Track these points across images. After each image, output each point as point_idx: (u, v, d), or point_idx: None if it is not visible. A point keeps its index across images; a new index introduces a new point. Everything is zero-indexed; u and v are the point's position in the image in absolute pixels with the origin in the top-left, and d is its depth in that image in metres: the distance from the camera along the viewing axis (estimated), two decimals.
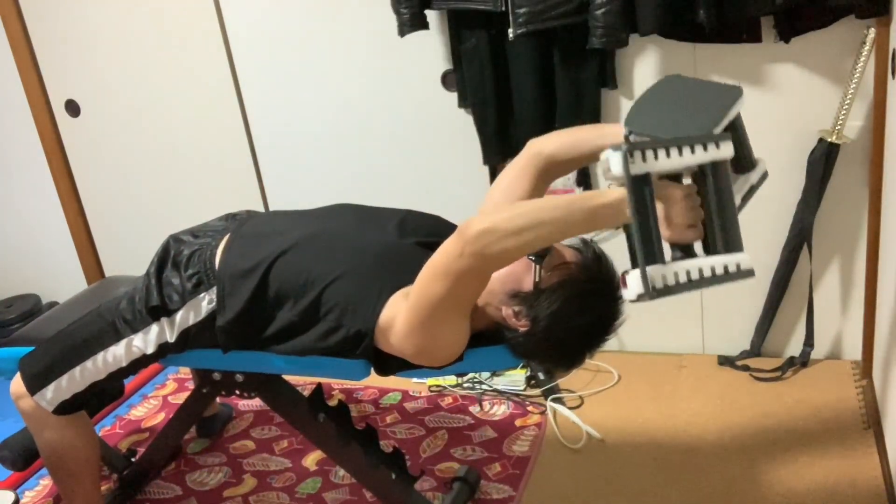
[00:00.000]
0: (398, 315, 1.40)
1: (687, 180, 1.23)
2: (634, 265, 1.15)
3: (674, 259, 1.18)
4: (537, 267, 1.41)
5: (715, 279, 1.14)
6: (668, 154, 1.14)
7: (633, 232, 1.13)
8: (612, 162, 1.13)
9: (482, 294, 1.46)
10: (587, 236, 1.44)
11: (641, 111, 1.32)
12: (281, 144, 2.71)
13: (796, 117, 2.13)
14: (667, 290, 1.12)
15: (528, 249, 1.26)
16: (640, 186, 1.13)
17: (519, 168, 1.57)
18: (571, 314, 1.38)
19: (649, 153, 1.13)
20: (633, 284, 1.12)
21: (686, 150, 1.16)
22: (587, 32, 2.06)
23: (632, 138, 1.26)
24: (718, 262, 1.15)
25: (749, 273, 1.17)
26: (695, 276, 1.13)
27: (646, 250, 1.12)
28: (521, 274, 1.43)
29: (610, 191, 1.18)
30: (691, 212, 1.19)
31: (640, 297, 1.10)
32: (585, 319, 1.39)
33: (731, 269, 1.15)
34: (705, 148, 1.17)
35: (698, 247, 1.22)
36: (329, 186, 2.65)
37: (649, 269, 1.12)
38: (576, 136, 1.53)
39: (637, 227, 1.13)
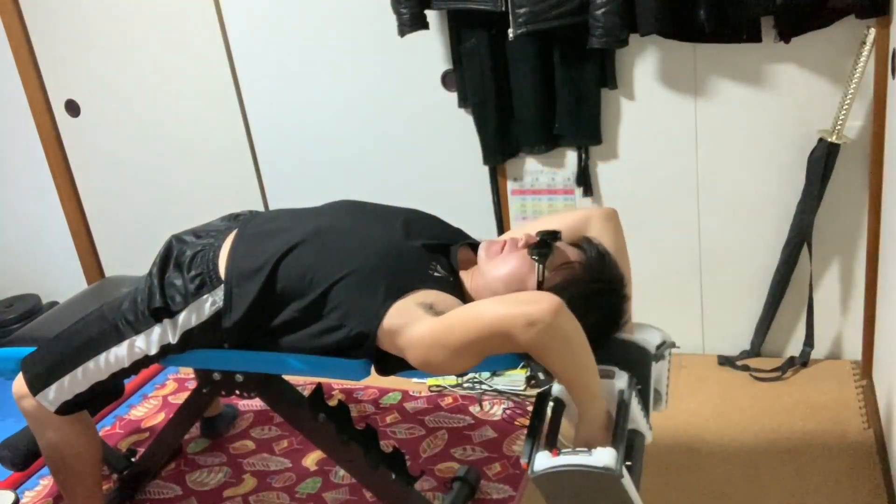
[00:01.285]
0: (418, 323, 1.37)
1: None
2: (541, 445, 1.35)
3: None
4: (540, 267, 1.41)
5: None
6: (641, 407, 1.42)
7: (617, 431, 1.32)
8: (619, 378, 1.37)
9: (484, 295, 1.47)
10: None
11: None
12: (281, 144, 2.72)
13: (796, 117, 2.14)
14: (620, 478, 1.24)
15: (555, 365, 1.30)
16: (627, 408, 1.36)
17: (572, 225, 1.60)
18: (577, 314, 1.38)
19: (638, 397, 1.40)
20: (606, 457, 1.24)
21: (645, 418, 1.43)
22: (587, 32, 2.06)
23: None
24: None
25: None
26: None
27: (626, 448, 1.31)
28: (525, 274, 1.42)
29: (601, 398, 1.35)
30: None
31: (607, 469, 1.22)
32: (591, 319, 1.38)
33: None
34: (648, 424, 1.45)
35: None
36: (329, 186, 2.65)
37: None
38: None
39: (620, 428, 1.32)
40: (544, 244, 1.44)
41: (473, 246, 1.63)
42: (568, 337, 1.26)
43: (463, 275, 1.55)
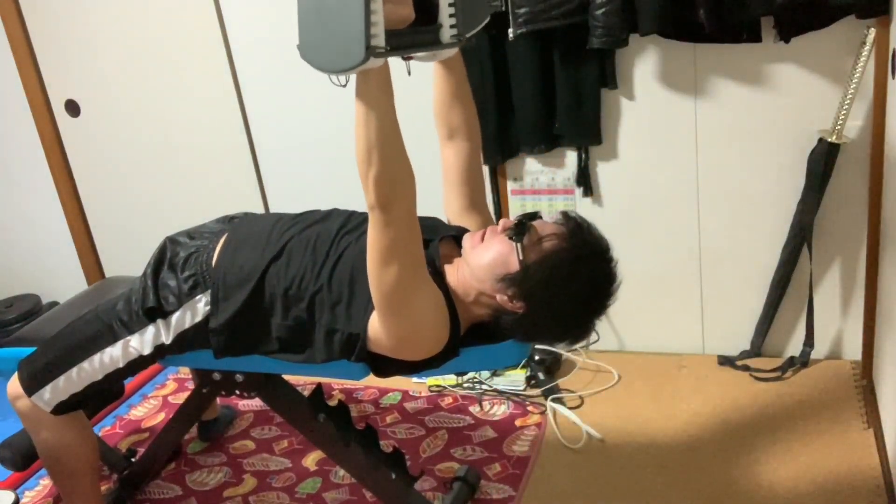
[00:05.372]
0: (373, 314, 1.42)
1: None
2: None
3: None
4: (518, 245, 1.42)
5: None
6: None
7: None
8: None
9: (473, 285, 1.46)
10: None
11: None
12: (281, 145, 2.71)
13: (796, 117, 2.13)
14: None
15: (396, 153, 1.29)
16: None
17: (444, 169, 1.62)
18: (563, 281, 1.39)
19: None
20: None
21: None
22: (587, 32, 2.07)
23: None
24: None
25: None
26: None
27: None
28: (507, 256, 1.43)
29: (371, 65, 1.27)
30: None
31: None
32: (578, 284, 1.40)
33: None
34: None
35: None
36: (329, 187, 2.65)
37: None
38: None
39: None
40: (520, 224, 1.45)
41: (458, 238, 1.62)
42: (371, 161, 1.27)
43: (448, 269, 1.54)
